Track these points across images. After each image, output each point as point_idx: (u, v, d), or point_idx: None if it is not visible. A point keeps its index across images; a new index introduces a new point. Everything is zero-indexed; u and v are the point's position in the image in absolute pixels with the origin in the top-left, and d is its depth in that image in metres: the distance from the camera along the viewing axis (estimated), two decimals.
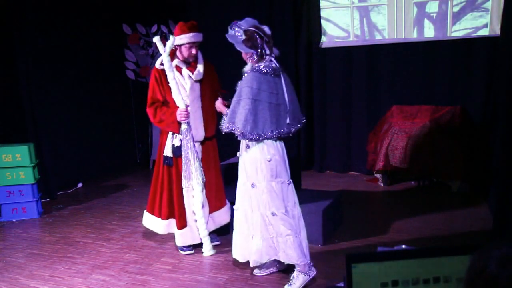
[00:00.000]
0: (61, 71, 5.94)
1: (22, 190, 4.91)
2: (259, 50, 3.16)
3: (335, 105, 6.28)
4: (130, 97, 7.15)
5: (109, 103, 6.73)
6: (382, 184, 5.64)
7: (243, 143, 3.23)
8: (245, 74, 3.18)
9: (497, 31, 5.27)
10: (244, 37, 3.12)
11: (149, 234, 4.32)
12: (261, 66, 3.14)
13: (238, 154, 3.30)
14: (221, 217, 4.02)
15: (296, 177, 4.52)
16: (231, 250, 3.90)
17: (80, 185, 6.17)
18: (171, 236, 4.27)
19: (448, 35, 5.64)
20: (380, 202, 5.15)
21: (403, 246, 2.09)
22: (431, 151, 5.19)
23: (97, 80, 6.52)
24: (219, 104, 3.48)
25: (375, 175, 5.71)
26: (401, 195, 5.22)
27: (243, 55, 3.24)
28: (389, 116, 5.64)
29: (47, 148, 5.57)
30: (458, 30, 5.58)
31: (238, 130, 3.08)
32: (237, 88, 3.18)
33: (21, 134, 5.34)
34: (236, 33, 3.15)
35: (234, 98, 3.14)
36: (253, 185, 3.19)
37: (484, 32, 5.46)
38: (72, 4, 6.02)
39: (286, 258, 3.19)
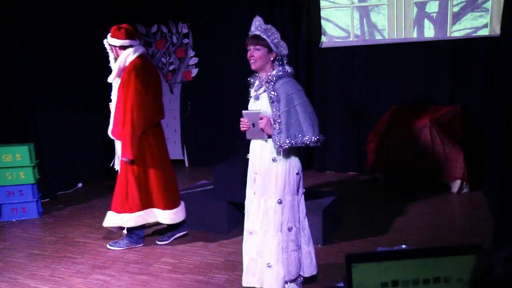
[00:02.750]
0: (61, 71, 5.94)
1: (22, 190, 4.91)
2: (280, 52, 2.88)
3: (335, 105, 6.28)
4: None
5: (109, 103, 6.73)
6: (382, 184, 5.64)
7: (268, 155, 2.87)
8: (275, 80, 2.81)
9: (497, 31, 5.27)
10: (271, 35, 2.84)
11: (149, 234, 4.32)
12: (288, 70, 2.87)
13: (254, 172, 2.95)
14: (156, 216, 4.02)
15: None
16: (231, 251, 3.91)
17: (80, 185, 6.18)
18: None
19: (448, 35, 5.64)
20: (380, 202, 5.14)
21: (403, 246, 2.09)
22: (431, 151, 5.19)
23: (97, 80, 6.50)
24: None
25: (375, 175, 5.71)
26: (401, 195, 5.22)
27: (263, 55, 2.83)
28: (389, 116, 5.64)
29: (47, 148, 5.58)
30: (458, 30, 5.59)
31: (311, 138, 2.77)
32: (272, 96, 2.79)
33: (21, 134, 5.34)
34: (273, 30, 2.86)
35: (283, 109, 2.76)
36: (280, 202, 2.89)
37: (484, 32, 5.46)
38: (72, 4, 6.02)
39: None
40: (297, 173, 2.94)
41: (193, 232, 4.33)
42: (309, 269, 3.10)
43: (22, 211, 4.93)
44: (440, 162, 5.20)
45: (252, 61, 2.85)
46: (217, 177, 4.28)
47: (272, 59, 2.85)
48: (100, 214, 5.04)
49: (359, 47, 6.07)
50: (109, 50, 3.88)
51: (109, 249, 4.05)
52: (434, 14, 5.68)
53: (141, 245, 4.09)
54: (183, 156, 7.13)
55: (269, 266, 2.92)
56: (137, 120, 3.71)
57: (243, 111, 2.85)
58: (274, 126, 2.77)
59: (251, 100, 2.94)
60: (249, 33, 2.90)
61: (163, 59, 6.96)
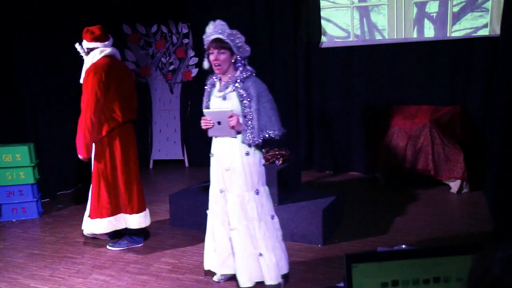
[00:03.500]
0: (61, 71, 5.94)
1: (22, 190, 4.91)
2: (243, 54, 3.00)
3: (335, 105, 6.28)
4: None
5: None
6: (382, 184, 5.64)
7: (239, 150, 2.98)
8: (243, 79, 2.95)
9: (497, 31, 5.27)
10: (235, 39, 2.94)
11: (149, 234, 4.32)
12: (252, 70, 3.03)
13: (225, 168, 3.03)
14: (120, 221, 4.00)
15: (296, 177, 4.53)
16: None
17: (80, 185, 6.17)
18: (171, 236, 4.27)
19: (448, 35, 5.64)
20: (380, 202, 5.14)
21: (403, 246, 2.09)
22: (431, 151, 5.19)
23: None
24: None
25: (375, 175, 5.71)
26: (401, 195, 5.22)
27: (227, 59, 2.93)
28: (389, 116, 5.64)
29: (47, 148, 5.57)
30: (458, 30, 5.59)
31: (278, 132, 2.97)
32: (244, 96, 2.92)
33: (21, 134, 5.34)
34: (238, 35, 2.97)
35: (255, 107, 2.92)
36: (257, 192, 3.03)
37: (484, 32, 5.46)
38: (73, 4, 6.02)
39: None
40: (263, 164, 3.13)
41: (193, 232, 4.32)
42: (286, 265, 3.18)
43: (22, 211, 4.93)
44: (440, 162, 5.20)
45: (216, 65, 2.94)
46: None
47: (233, 61, 2.97)
48: None
49: (359, 47, 6.07)
50: (82, 53, 3.89)
51: (109, 249, 4.04)
52: (434, 14, 5.68)
53: (141, 244, 4.09)
54: (183, 156, 7.13)
55: (261, 255, 3.02)
56: (91, 120, 3.67)
57: (207, 110, 2.99)
58: (246, 123, 2.92)
59: (216, 100, 3.03)
60: (205, 36, 2.97)
61: (163, 59, 6.96)
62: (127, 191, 3.94)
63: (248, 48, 3.01)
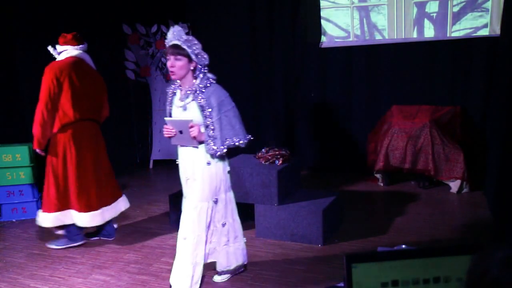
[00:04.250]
0: None
1: (22, 190, 4.91)
2: (202, 62, 2.94)
3: (335, 105, 6.28)
4: (130, 97, 7.15)
5: (109, 103, 6.73)
6: (382, 184, 5.64)
7: (201, 159, 2.96)
8: (203, 90, 2.88)
9: (497, 31, 5.27)
10: (192, 46, 2.89)
11: (149, 234, 4.32)
12: (212, 78, 2.96)
13: (186, 177, 3.05)
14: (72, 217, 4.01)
15: (296, 177, 4.54)
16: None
17: None
18: (171, 236, 4.27)
19: (448, 35, 5.64)
20: (380, 202, 5.15)
21: (403, 246, 2.09)
22: (431, 151, 5.20)
23: None
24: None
25: (375, 175, 5.71)
26: (401, 195, 5.22)
27: (183, 66, 2.88)
28: (389, 116, 5.64)
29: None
30: (458, 30, 5.59)
31: (242, 140, 2.95)
32: (204, 106, 2.86)
33: (21, 134, 5.34)
34: (184, 39, 2.89)
35: (216, 116, 2.87)
36: (216, 201, 3.08)
37: (484, 32, 5.46)
38: (73, 4, 6.02)
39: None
40: (229, 171, 3.13)
41: None
42: (235, 261, 3.32)
43: (22, 211, 4.93)
44: (440, 162, 5.20)
45: (172, 71, 2.89)
46: None
47: (192, 68, 2.90)
48: None
49: (359, 47, 6.07)
50: (55, 55, 4.04)
51: (49, 248, 4.07)
52: (434, 14, 5.68)
53: (79, 243, 4.10)
54: None
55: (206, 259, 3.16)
56: (42, 114, 3.77)
57: (168, 119, 2.95)
58: (208, 133, 2.87)
59: (177, 110, 2.97)
60: (166, 41, 2.95)
61: (163, 59, 6.96)
62: (78, 188, 3.93)
63: (206, 56, 2.94)
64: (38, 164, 5.15)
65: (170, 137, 2.98)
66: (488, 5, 5.41)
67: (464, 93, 5.65)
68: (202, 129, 2.89)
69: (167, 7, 6.85)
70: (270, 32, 6.45)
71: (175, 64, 2.87)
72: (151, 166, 7.11)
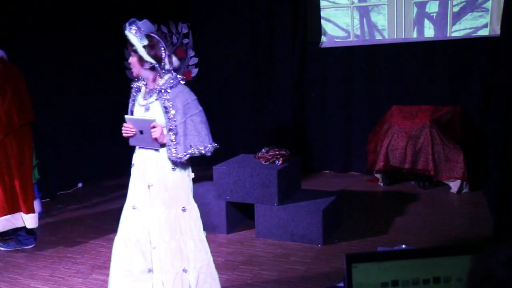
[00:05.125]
0: (61, 71, 5.94)
1: None
2: (162, 64, 2.68)
3: (335, 105, 6.28)
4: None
5: (109, 103, 6.73)
6: (382, 184, 5.64)
7: (165, 164, 2.71)
8: (168, 90, 2.65)
9: (497, 31, 5.27)
10: (146, 43, 2.62)
11: None
12: (179, 78, 2.73)
13: (149, 184, 2.72)
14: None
15: (296, 177, 4.54)
16: (231, 251, 3.92)
17: (80, 185, 6.17)
18: None
19: (448, 35, 5.64)
20: (380, 202, 5.15)
21: (403, 246, 2.09)
22: (431, 151, 5.19)
23: (97, 80, 6.51)
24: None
25: (375, 175, 5.71)
26: (401, 195, 5.22)
27: (136, 62, 2.66)
28: (389, 116, 5.64)
29: (47, 148, 5.57)
30: (458, 30, 5.59)
31: (208, 147, 2.71)
32: (168, 108, 2.64)
33: None
34: (137, 35, 2.63)
35: (180, 120, 2.64)
36: (184, 209, 2.77)
37: (484, 32, 5.46)
38: (73, 4, 6.02)
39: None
40: (192, 178, 2.89)
41: None
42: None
43: None
44: (440, 162, 5.20)
45: (129, 67, 2.74)
46: (217, 177, 4.28)
47: (149, 66, 2.65)
48: (100, 214, 5.05)
49: (359, 47, 6.07)
50: None
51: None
52: (434, 14, 5.68)
53: (31, 246, 4.14)
54: None
55: (185, 271, 2.77)
56: None
57: (127, 117, 2.71)
58: (170, 137, 2.62)
59: (139, 108, 2.75)
60: None
61: None
62: (22, 190, 3.99)
63: (161, 54, 2.70)
64: (38, 164, 5.15)
65: (129, 137, 2.72)
66: (488, 5, 5.40)
67: (464, 93, 5.65)
68: (165, 131, 2.65)
69: (167, 7, 6.84)
70: (270, 32, 6.45)
71: (130, 60, 2.71)
72: None
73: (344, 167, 6.33)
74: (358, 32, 6.06)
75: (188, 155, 2.66)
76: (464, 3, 5.51)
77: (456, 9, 5.56)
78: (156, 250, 2.74)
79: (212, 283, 2.86)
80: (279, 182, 4.07)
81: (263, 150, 4.47)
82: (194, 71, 6.87)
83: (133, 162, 2.81)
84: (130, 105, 2.85)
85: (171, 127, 2.63)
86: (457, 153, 5.14)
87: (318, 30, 6.22)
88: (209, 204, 4.31)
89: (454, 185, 5.21)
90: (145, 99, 2.74)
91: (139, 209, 2.77)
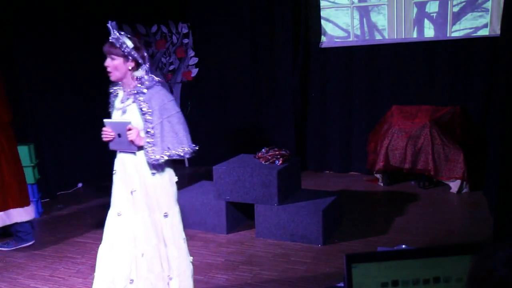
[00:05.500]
0: (61, 71, 5.94)
1: None
2: (146, 64, 2.68)
3: (335, 105, 6.28)
4: None
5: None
6: (382, 184, 5.64)
7: (145, 169, 2.67)
8: (144, 91, 2.61)
9: (497, 31, 5.27)
10: (134, 45, 2.64)
11: None
12: (156, 79, 2.70)
13: (132, 189, 2.69)
14: None
15: (296, 177, 4.54)
16: (231, 251, 3.92)
17: (80, 185, 6.17)
18: None
19: (448, 35, 5.64)
20: (380, 202, 5.15)
21: (403, 246, 2.09)
22: (431, 151, 5.20)
23: (97, 80, 6.50)
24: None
25: (375, 175, 5.71)
26: (401, 195, 5.22)
27: (119, 65, 2.62)
28: (389, 116, 5.64)
29: (47, 148, 5.57)
30: (458, 30, 5.59)
31: (187, 149, 2.65)
32: (144, 109, 2.60)
33: (21, 134, 5.33)
34: (125, 37, 2.65)
35: (157, 121, 2.59)
36: (166, 215, 2.73)
37: (484, 32, 5.46)
38: (72, 4, 6.02)
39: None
40: (176, 182, 2.83)
41: (193, 232, 4.32)
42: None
43: None
44: (440, 162, 5.20)
45: (108, 72, 2.64)
46: (217, 177, 4.28)
47: (130, 68, 2.63)
48: (100, 214, 5.04)
49: (359, 47, 6.07)
50: None
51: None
52: (434, 14, 5.68)
53: (32, 242, 4.17)
54: None
55: (171, 279, 2.75)
56: None
57: (106, 120, 2.68)
58: (147, 139, 2.58)
59: (117, 112, 2.72)
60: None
61: (163, 59, 6.96)
62: (17, 185, 4.06)
63: (141, 55, 2.69)
64: (38, 164, 5.15)
65: (108, 141, 2.69)
66: (488, 5, 5.41)
67: (464, 93, 5.65)
68: (142, 134, 2.61)
69: (167, 7, 6.84)
70: (270, 32, 6.45)
71: (110, 64, 2.62)
72: None
73: (344, 167, 6.33)
74: (358, 32, 6.06)
75: (166, 157, 2.60)
76: (464, 3, 5.52)
77: (456, 9, 5.56)
78: (144, 256, 2.71)
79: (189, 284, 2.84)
80: (279, 182, 4.07)
81: (263, 150, 4.47)
82: (194, 71, 6.87)
83: (114, 169, 2.79)
84: (110, 110, 2.82)
85: (147, 129, 2.59)
86: (457, 153, 5.14)
87: (318, 30, 6.23)
88: (209, 204, 4.31)
89: (454, 185, 5.21)
90: (123, 102, 2.70)
91: (123, 216, 2.73)
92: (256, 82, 6.61)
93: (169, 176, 2.77)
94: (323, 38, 6.25)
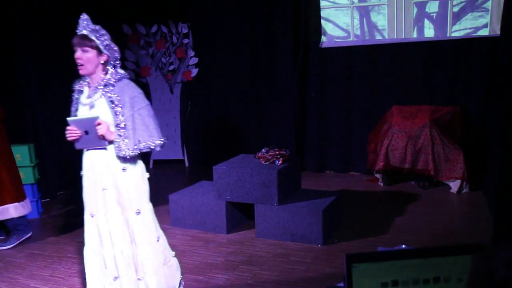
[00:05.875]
0: (61, 71, 5.92)
1: None
2: (118, 58, 2.67)
3: (335, 105, 6.28)
4: None
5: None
6: (382, 184, 5.64)
7: (115, 165, 2.61)
8: (114, 82, 2.58)
9: (497, 31, 5.27)
10: (110, 39, 2.62)
11: None
12: (125, 73, 2.68)
13: (103, 188, 2.64)
14: None
15: (296, 177, 4.54)
16: (231, 250, 3.92)
17: (80, 185, 6.16)
18: (171, 236, 4.27)
19: (448, 35, 5.64)
20: (380, 202, 5.15)
21: (403, 246, 2.09)
22: (431, 151, 5.20)
23: None
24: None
25: (375, 175, 5.71)
26: (401, 195, 5.22)
27: (92, 58, 2.56)
28: (389, 116, 5.64)
29: (47, 148, 5.57)
30: (458, 30, 5.59)
31: (157, 142, 2.60)
32: (115, 101, 2.55)
33: (21, 134, 5.34)
34: (102, 32, 2.61)
35: (128, 113, 2.54)
36: (138, 212, 2.68)
37: (484, 32, 5.46)
38: (72, 4, 6.01)
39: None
40: (148, 178, 2.78)
41: (193, 232, 4.33)
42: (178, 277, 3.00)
43: None
44: (440, 162, 5.20)
45: (79, 64, 2.56)
46: (217, 177, 4.28)
47: (102, 62, 2.59)
48: None
49: (359, 47, 6.07)
50: None
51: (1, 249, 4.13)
52: (434, 14, 5.68)
53: (30, 233, 4.26)
54: (183, 156, 7.13)
55: (139, 280, 2.73)
56: None
57: (70, 119, 2.60)
58: (119, 132, 2.52)
59: (83, 108, 2.65)
60: (77, 31, 2.65)
61: (163, 59, 6.96)
62: (13, 180, 4.13)
63: (116, 48, 2.66)
64: (38, 164, 5.15)
65: (74, 140, 2.62)
66: (488, 5, 5.41)
67: (464, 93, 5.65)
68: (112, 128, 2.55)
69: (167, 7, 6.84)
70: (270, 32, 6.45)
71: (82, 56, 2.54)
72: (151, 166, 7.11)
73: (344, 167, 6.33)
74: (358, 32, 6.06)
75: (138, 151, 2.55)
76: (464, 3, 5.52)
77: (456, 9, 5.56)
78: (123, 254, 2.69)
79: (171, 278, 2.88)
80: (279, 182, 4.07)
81: (263, 150, 4.47)
82: (194, 71, 6.87)
83: (82, 170, 2.74)
84: (72, 109, 2.74)
85: (118, 122, 2.52)
86: (457, 153, 5.14)
87: (318, 30, 6.23)
88: (209, 204, 4.32)
89: (454, 185, 5.21)
90: (90, 97, 2.63)
91: (96, 216, 2.70)
92: (256, 82, 6.61)
93: (141, 173, 2.72)
94: (323, 38, 6.25)
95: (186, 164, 7.13)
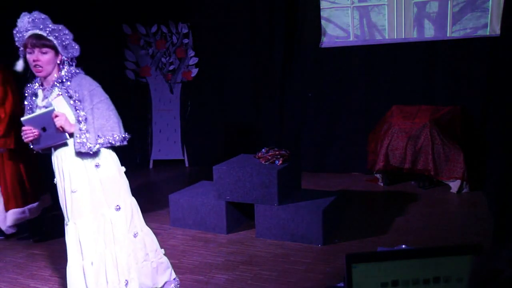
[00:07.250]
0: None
1: None
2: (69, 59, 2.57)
3: (335, 104, 6.28)
4: (130, 97, 7.15)
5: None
6: (382, 184, 5.64)
7: (86, 163, 2.51)
8: (69, 78, 2.51)
9: (497, 31, 5.27)
10: (72, 39, 2.54)
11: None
12: (78, 68, 2.62)
13: (72, 190, 2.53)
14: None
15: (296, 177, 4.54)
16: (231, 251, 3.92)
17: None
18: (171, 236, 4.28)
19: (448, 35, 5.64)
20: (380, 202, 5.14)
21: (403, 246, 2.09)
22: (431, 151, 5.20)
23: (97, 80, 6.50)
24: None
25: (375, 175, 5.71)
26: (401, 195, 5.22)
27: (51, 60, 2.48)
28: (389, 116, 5.64)
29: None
30: (458, 30, 5.59)
31: (119, 136, 2.52)
32: (73, 96, 2.46)
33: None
34: (65, 31, 2.52)
35: (88, 107, 2.45)
36: (118, 208, 2.60)
37: (484, 32, 5.46)
38: (72, 4, 6.02)
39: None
40: (125, 172, 2.69)
41: (193, 232, 4.33)
42: (162, 277, 2.94)
43: None
44: (440, 162, 5.20)
45: (38, 66, 2.45)
46: (217, 177, 4.28)
47: (58, 62, 2.51)
48: None
49: (359, 47, 6.07)
50: None
51: None
52: (434, 14, 5.68)
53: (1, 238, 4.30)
54: (183, 156, 7.13)
55: (127, 283, 2.64)
56: None
57: (24, 118, 2.45)
58: (80, 126, 2.43)
59: (40, 111, 2.51)
60: (18, 30, 2.56)
61: (163, 59, 6.96)
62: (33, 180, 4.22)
63: (77, 47, 2.57)
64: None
65: (32, 141, 2.48)
66: (488, 5, 5.41)
67: (464, 93, 5.65)
68: (72, 121, 2.45)
69: (167, 7, 6.85)
70: (270, 32, 6.45)
71: (41, 58, 2.44)
72: (151, 166, 7.11)
73: (344, 167, 6.32)
74: (358, 32, 6.06)
75: (99, 145, 2.46)
76: (464, 3, 5.52)
77: (456, 9, 5.56)
78: (89, 266, 2.57)
79: (163, 272, 2.86)
80: (279, 182, 4.07)
81: (263, 150, 4.47)
82: (194, 71, 6.87)
83: (55, 178, 2.64)
84: (26, 111, 2.61)
85: (79, 117, 2.43)
86: (457, 153, 5.14)
87: (318, 30, 6.23)
88: (209, 204, 4.32)
89: (454, 185, 5.21)
90: (46, 97, 2.52)
91: (68, 224, 2.62)
92: (256, 82, 6.61)
93: (117, 167, 2.64)
94: (323, 38, 6.25)
95: (186, 164, 7.13)
